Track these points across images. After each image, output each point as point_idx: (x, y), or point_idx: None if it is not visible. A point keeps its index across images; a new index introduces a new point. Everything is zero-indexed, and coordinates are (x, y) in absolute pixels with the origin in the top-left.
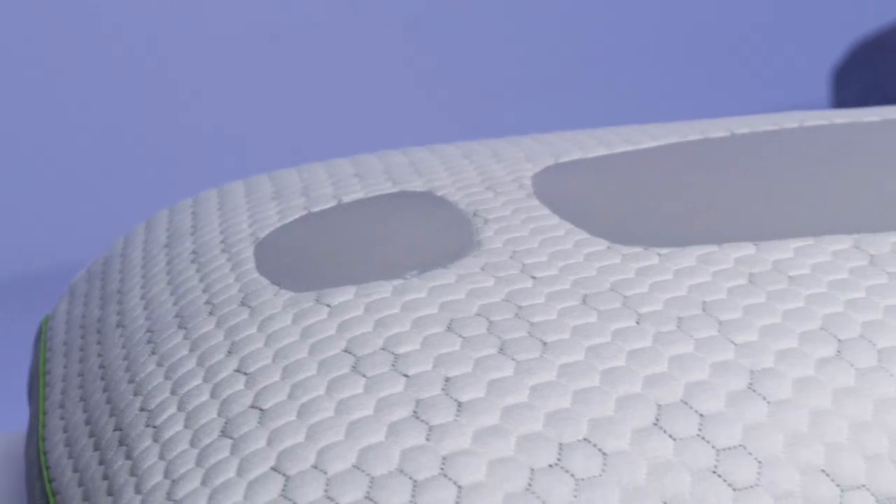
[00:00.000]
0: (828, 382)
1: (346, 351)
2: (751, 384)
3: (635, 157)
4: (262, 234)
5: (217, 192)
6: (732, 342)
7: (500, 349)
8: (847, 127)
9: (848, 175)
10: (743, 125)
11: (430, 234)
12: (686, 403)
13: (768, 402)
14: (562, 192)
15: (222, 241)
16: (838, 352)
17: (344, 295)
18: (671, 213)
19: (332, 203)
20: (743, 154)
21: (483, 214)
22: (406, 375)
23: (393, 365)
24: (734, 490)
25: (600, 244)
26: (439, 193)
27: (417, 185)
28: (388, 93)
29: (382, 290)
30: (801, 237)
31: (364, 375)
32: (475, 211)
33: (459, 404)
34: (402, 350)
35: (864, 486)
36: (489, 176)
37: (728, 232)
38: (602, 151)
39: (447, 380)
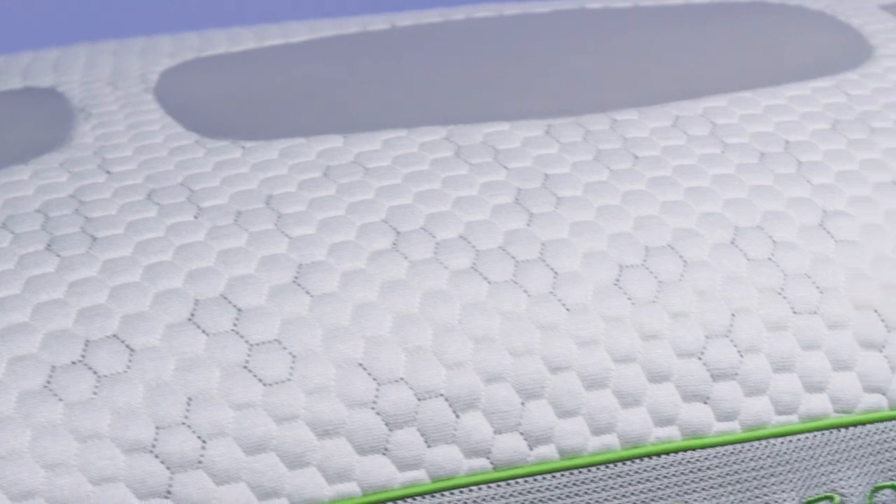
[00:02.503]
0: (377, 275)
1: None
2: (296, 278)
3: (280, 51)
4: None
5: None
6: (287, 236)
7: (48, 245)
8: (512, 19)
9: (474, 68)
10: (412, 18)
11: (28, 131)
12: (225, 298)
13: (311, 296)
14: (183, 87)
15: None
16: (394, 244)
17: None
18: (280, 108)
19: None
20: (393, 47)
21: (89, 109)
22: None
23: None
24: (264, 385)
25: (189, 138)
26: (61, 89)
27: (46, 82)
28: None
29: None
30: (395, 129)
31: None
32: (84, 106)
33: None
34: None
35: (402, 379)
36: (122, 71)
37: (328, 125)
38: (250, 45)
39: None
